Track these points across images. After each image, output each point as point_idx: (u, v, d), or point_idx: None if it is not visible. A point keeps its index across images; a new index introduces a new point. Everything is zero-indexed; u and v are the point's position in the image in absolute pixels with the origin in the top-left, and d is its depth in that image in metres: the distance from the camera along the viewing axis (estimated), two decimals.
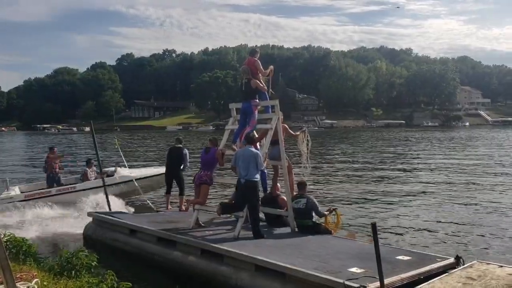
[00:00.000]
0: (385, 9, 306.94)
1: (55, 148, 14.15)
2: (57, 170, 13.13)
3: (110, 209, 10.60)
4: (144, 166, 17.30)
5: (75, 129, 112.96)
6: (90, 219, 9.88)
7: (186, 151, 11.04)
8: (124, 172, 13.37)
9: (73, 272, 5.94)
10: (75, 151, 40.91)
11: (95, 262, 6.23)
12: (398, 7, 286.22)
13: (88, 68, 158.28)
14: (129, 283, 5.61)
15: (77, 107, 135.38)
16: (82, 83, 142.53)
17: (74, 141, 62.06)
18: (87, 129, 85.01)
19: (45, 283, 5.19)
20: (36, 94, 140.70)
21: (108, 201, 10.82)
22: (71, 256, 6.17)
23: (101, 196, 11.34)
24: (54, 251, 8.65)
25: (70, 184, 12.92)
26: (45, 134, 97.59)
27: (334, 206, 9.25)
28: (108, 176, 12.76)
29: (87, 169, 13.29)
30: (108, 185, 11.62)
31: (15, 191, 12.37)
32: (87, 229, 9.74)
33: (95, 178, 12.75)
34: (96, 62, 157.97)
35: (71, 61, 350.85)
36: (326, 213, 8.50)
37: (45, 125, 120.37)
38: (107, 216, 9.47)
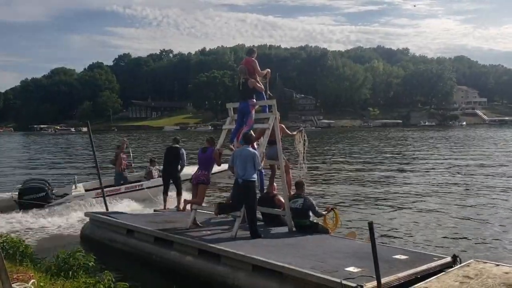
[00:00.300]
0: (382, 9, 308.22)
1: (125, 143, 14.21)
2: (124, 167, 13.61)
3: (107, 209, 10.59)
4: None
5: (73, 129, 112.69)
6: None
7: (183, 151, 10.98)
8: None
9: (70, 272, 5.91)
10: (73, 151, 40.90)
11: (92, 263, 6.22)
12: (415, 6, 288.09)
13: (85, 69, 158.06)
14: (126, 283, 5.60)
15: (74, 107, 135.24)
16: (79, 84, 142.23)
17: (71, 141, 62.00)
18: (85, 129, 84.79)
19: (41, 283, 5.16)
20: (33, 95, 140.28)
21: (104, 199, 10.78)
22: (68, 257, 6.15)
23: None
24: None
25: (137, 182, 13.37)
26: (42, 134, 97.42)
27: (332, 205, 9.24)
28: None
29: (151, 167, 13.91)
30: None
31: (81, 188, 12.84)
32: (84, 229, 9.73)
33: (158, 176, 13.13)
34: (93, 62, 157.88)
35: (68, 61, 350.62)
36: (324, 212, 8.52)
37: (42, 126, 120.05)
38: (104, 216, 9.45)
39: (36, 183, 12.62)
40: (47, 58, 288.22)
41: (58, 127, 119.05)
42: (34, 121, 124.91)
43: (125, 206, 12.05)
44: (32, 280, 5.06)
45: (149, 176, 13.72)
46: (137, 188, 13.00)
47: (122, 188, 12.92)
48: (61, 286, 5.33)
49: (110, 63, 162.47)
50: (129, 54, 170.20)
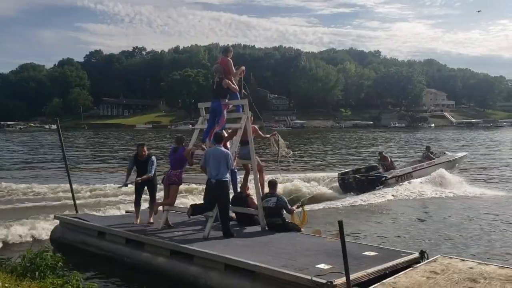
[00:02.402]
0: (354, 12, 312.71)
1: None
2: None
3: (77, 211, 10.12)
4: None
5: (47, 126, 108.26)
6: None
7: (153, 158, 9.03)
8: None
9: (36, 273, 5.78)
10: (42, 149, 39.83)
11: (60, 263, 6.08)
12: (479, 11, 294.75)
13: (55, 65, 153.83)
14: (95, 284, 5.51)
15: (43, 104, 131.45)
16: (48, 80, 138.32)
17: (36, 138, 60.07)
18: (54, 126, 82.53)
19: (6, 285, 5.03)
20: (0, 90, 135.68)
21: (74, 201, 10.42)
22: (34, 257, 6.00)
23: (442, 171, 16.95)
24: None
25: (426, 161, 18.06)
26: (5, 131, 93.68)
27: (300, 203, 9.20)
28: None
29: (427, 152, 18.97)
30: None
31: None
32: (54, 233, 9.44)
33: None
34: (63, 59, 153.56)
35: (37, 57, 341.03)
36: (294, 208, 8.59)
37: (9, 123, 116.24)
38: (74, 219, 9.20)
39: None
40: (15, 54, 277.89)
41: (32, 124, 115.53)
42: (1, 117, 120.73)
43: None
44: None
45: (426, 159, 18.42)
46: (431, 165, 17.73)
47: (425, 164, 17.68)
48: (27, 287, 5.20)
49: (81, 59, 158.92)
50: (101, 50, 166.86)
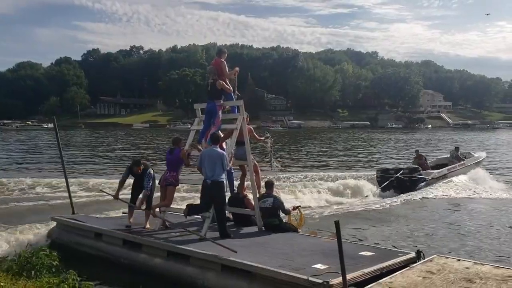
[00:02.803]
0: (352, 12, 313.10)
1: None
2: None
3: (73, 212, 9.97)
4: None
5: (45, 125, 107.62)
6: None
7: (150, 171, 8.53)
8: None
9: (32, 272, 5.76)
10: (38, 148, 39.73)
11: (56, 262, 6.07)
12: (488, 14, 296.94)
13: (52, 63, 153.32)
14: (91, 283, 5.50)
15: (40, 102, 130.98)
16: (46, 78, 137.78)
17: (31, 137, 59.90)
18: (50, 125, 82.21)
19: (2, 283, 5.02)
20: None
21: (71, 202, 10.35)
22: (30, 256, 5.99)
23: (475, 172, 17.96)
24: None
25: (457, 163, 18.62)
26: (1, 130, 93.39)
27: (297, 204, 9.33)
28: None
29: (456, 153, 19.63)
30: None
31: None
32: (50, 234, 9.36)
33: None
34: (60, 57, 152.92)
35: (34, 55, 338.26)
36: (290, 209, 8.61)
37: (6, 121, 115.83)
38: (71, 220, 9.15)
39: None
40: (13, 52, 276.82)
41: (30, 123, 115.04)
42: None
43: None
44: None
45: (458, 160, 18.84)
46: (463, 166, 18.44)
47: (457, 166, 18.19)
48: (23, 286, 5.18)
49: (79, 58, 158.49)
50: (98, 49, 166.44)
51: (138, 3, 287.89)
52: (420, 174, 16.30)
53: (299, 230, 8.38)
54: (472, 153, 21.71)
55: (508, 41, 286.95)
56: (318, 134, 74.71)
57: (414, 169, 16.53)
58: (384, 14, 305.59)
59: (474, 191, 15.69)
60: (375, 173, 16.99)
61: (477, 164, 19.63)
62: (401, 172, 15.87)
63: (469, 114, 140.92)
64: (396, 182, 15.58)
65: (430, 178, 16.48)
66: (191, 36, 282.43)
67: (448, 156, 20.16)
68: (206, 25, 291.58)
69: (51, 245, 8.95)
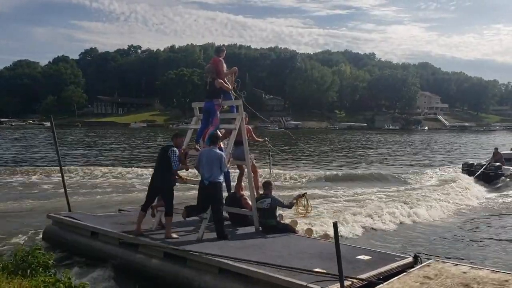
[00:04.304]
0: (350, 14, 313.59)
1: None
2: None
3: (70, 209, 9.97)
4: None
5: (47, 124, 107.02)
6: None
7: (174, 149, 7.81)
8: None
9: (28, 271, 5.72)
10: (36, 147, 39.55)
11: (52, 261, 6.03)
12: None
13: (49, 62, 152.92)
14: (87, 283, 5.46)
15: (37, 101, 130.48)
16: (43, 77, 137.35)
17: (25, 137, 59.52)
18: (47, 124, 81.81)
19: None
20: None
21: (67, 199, 10.34)
22: (26, 255, 5.95)
23: None
24: None
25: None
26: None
27: (302, 193, 9.07)
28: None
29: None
30: None
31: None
32: (46, 232, 9.29)
33: None
34: (58, 56, 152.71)
35: (32, 54, 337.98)
36: (294, 201, 8.59)
37: (2, 119, 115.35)
38: (67, 218, 9.06)
39: None
40: (10, 50, 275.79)
41: (31, 121, 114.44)
42: None
43: None
44: None
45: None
46: None
47: None
48: (19, 285, 5.14)
49: (76, 57, 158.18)
50: (96, 48, 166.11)
51: (135, 2, 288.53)
52: (502, 170, 18.55)
53: (296, 231, 8.37)
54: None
55: (504, 43, 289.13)
56: (318, 135, 74.72)
57: (497, 167, 18.72)
58: (381, 16, 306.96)
59: None
60: (460, 166, 20.64)
61: None
62: (484, 167, 18.72)
63: (465, 116, 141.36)
64: (482, 175, 18.41)
65: (508, 174, 18.58)
66: (189, 36, 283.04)
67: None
68: (204, 25, 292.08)
69: (46, 243, 8.95)
